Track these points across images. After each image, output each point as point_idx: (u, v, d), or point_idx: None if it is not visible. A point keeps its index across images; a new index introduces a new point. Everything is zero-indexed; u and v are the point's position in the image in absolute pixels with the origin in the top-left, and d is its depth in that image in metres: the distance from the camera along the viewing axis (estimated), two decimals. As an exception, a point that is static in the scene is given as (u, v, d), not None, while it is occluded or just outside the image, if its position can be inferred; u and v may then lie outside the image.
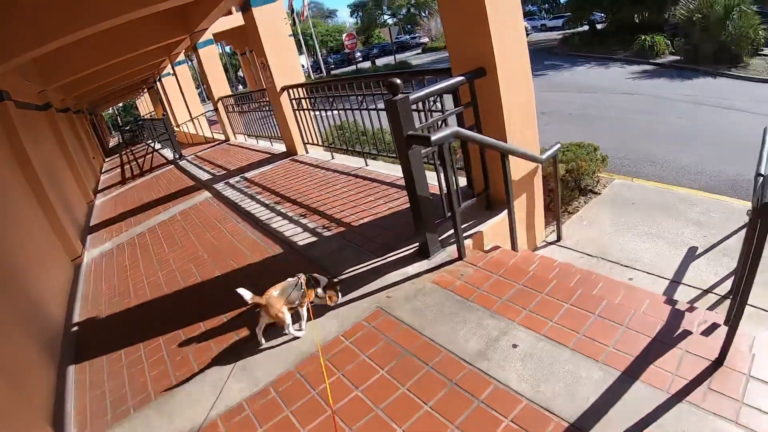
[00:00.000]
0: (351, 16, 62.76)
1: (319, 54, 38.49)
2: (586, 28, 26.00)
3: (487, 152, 3.58)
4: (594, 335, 2.37)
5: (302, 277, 2.85)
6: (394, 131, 2.87)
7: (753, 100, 11.18)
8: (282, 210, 5.08)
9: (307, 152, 7.39)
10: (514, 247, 3.59)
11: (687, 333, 2.34)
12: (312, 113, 6.80)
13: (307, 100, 6.78)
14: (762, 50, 16.20)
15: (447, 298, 2.88)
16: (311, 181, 5.77)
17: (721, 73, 14.31)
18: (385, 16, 56.34)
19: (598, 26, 25.18)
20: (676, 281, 3.89)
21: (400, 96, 2.78)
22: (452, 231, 3.26)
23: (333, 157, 6.59)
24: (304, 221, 4.59)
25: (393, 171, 5.19)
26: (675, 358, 2.19)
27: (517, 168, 3.62)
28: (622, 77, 14.91)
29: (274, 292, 2.77)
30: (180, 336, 3.29)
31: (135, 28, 8.06)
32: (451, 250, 3.31)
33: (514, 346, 2.40)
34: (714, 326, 2.53)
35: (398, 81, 2.77)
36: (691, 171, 6.99)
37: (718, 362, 2.15)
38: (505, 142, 3.42)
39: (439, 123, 3.41)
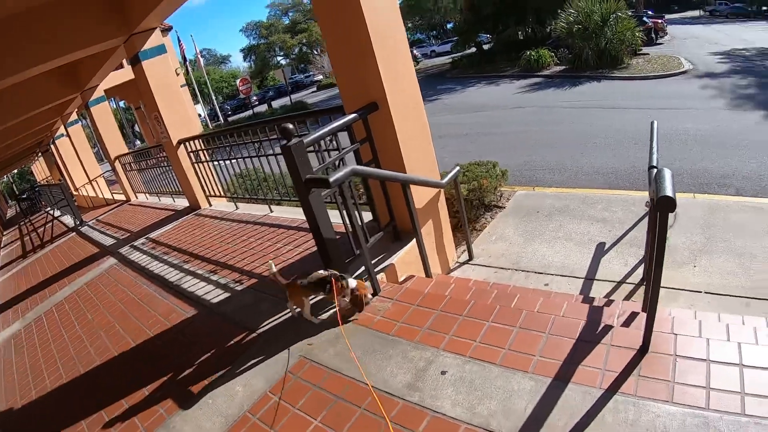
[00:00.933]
0: (244, 60, 62.56)
1: (215, 101, 37.88)
2: (473, 50, 27.33)
3: (388, 184, 3.62)
4: (519, 347, 2.43)
5: (332, 273, 2.92)
6: (293, 176, 2.85)
7: (635, 97, 12.29)
8: (192, 268, 4.86)
9: (210, 205, 7.19)
10: (427, 273, 3.64)
11: (608, 327, 2.45)
12: (211, 164, 6.64)
13: (205, 151, 6.62)
14: (640, 50, 17.77)
15: (368, 336, 2.85)
16: (218, 235, 5.60)
17: (605, 76, 15.58)
18: (278, 58, 57.08)
19: (485, 47, 26.80)
20: (590, 278, 4.15)
21: (294, 141, 2.77)
22: (363, 268, 3.25)
23: (237, 207, 6.45)
24: (215, 277, 4.41)
25: (298, 215, 5.13)
26: (601, 353, 2.29)
27: (420, 195, 3.69)
28: (512, 93, 15.70)
29: (302, 281, 2.95)
30: (103, 417, 3.02)
31: (21, 91, 7.57)
32: (367, 288, 3.30)
33: (443, 372, 2.40)
34: (633, 315, 2.67)
35: (290, 126, 2.77)
36: (588, 171, 7.43)
37: (643, 349, 2.27)
38: (405, 172, 3.48)
39: (337, 162, 3.42)
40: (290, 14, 57.11)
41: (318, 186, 2.83)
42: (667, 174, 2.11)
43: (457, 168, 4.16)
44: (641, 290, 3.86)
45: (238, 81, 37.79)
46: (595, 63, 16.70)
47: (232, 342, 3.23)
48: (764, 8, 45.62)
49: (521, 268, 4.38)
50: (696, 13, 47.85)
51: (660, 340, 2.30)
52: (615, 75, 15.70)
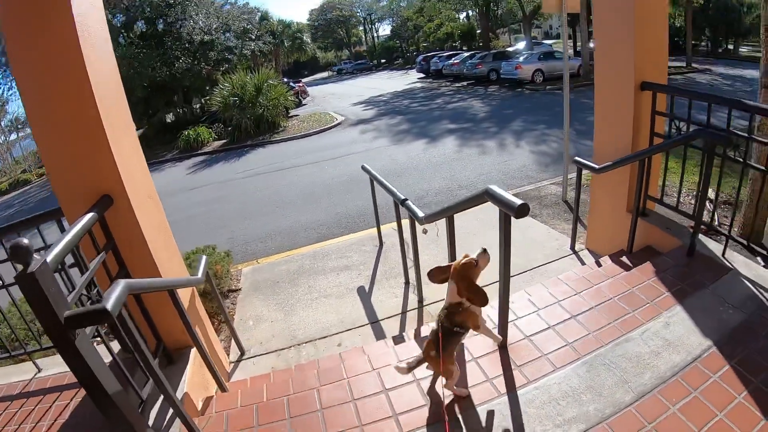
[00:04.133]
0: None
1: None
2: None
3: (145, 297, 2.95)
4: (362, 416, 2.35)
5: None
6: (41, 316, 1.78)
7: (305, 153, 13.51)
8: None
9: None
10: (222, 386, 3.13)
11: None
12: None
13: None
14: (290, 113, 19.50)
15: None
16: None
17: (268, 142, 16.52)
18: None
19: (138, 133, 25.33)
20: (375, 321, 4.24)
21: (36, 263, 1.75)
22: (172, 411, 2.47)
23: None
24: None
25: (22, 374, 3.44)
26: (474, 370, 2.49)
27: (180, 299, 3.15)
28: (183, 175, 14.91)
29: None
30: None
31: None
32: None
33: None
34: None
35: (26, 241, 1.74)
36: (299, 230, 7.48)
37: (503, 345, 2.61)
38: (160, 276, 2.93)
39: (86, 286, 2.49)
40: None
41: (90, 322, 1.90)
42: (496, 188, 2.34)
43: (204, 257, 3.71)
44: (427, 310, 4.29)
45: None
46: (254, 131, 17.63)
47: None
48: (383, 60, 56.54)
49: (303, 341, 4.12)
50: (325, 74, 55.97)
51: (511, 333, 2.69)
52: (277, 139, 16.82)
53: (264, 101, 17.96)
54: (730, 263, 3.27)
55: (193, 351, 3.04)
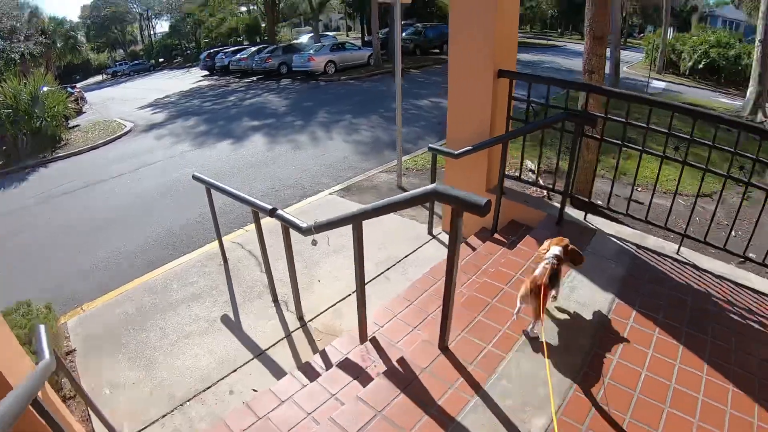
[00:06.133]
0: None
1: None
2: None
3: None
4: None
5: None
6: None
7: (102, 167, 11.24)
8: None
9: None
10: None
11: (390, 364, 2.50)
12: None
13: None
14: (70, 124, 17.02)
15: None
16: None
17: (50, 160, 13.86)
18: None
19: None
20: (261, 353, 3.76)
21: None
22: None
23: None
24: None
25: None
26: (427, 380, 2.38)
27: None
28: None
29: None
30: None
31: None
32: None
33: None
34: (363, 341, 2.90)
35: None
36: (120, 261, 6.17)
37: (444, 349, 2.56)
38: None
39: None
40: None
41: None
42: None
43: (42, 327, 2.54)
44: (313, 327, 3.99)
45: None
46: (34, 148, 15.02)
47: None
48: (161, 60, 52.13)
49: (185, 399, 3.41)
50: (99, 77, 49.76)
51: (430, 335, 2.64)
52: (62, 155, 14.05)
53: (41, 112, 15.31)
54: (593, 226, 3.77)
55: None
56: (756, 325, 2.88)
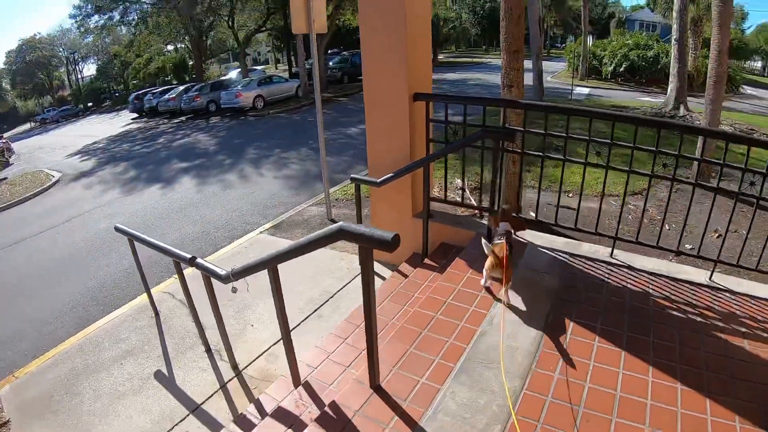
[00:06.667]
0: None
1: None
2: None
3: None
4: None
5: None
6: None
7: (28, 223, 10.45)
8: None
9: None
10: None
11: (324, 409, 2.41)
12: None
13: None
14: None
15: None
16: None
17: None
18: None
19: None
20: (195, 408, 3.54)
21: None
22: None
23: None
24: None
25: None
26: (364, 422, 2.28)
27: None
28: None
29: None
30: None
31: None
32: None
33: None
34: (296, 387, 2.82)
35: None
36: (57, 316, 5.83)
37: (377, 388, 2.45)
38: None
39: None
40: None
41: None
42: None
43: None
44: (248, 374, 3.80)
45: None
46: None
47: None
48: (90, 104, 50.60)
49: None
50: (27, 125, 47.79)
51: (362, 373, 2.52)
52: None
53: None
54: (524, 239, 3.77)
55: None
56: (698, 318, 2.92)
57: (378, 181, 3.94)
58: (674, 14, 14.72)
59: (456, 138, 3.97)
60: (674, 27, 14.67)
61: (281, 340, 4.04)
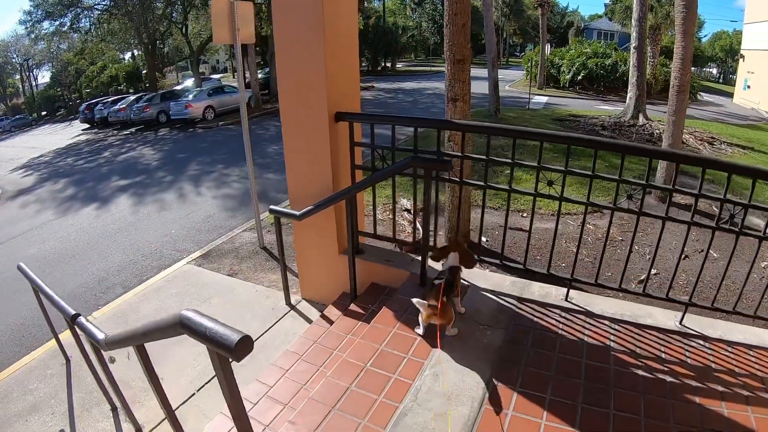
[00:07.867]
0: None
1: None
2: None
3: None
4: None
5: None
6: None
7: None
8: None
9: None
10: None
11: None
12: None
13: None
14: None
15: None
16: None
17: None
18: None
19: None
20: None
21: None
22: None
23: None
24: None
25: None
26: None
27: None
28: None
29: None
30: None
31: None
32: None
33: None
34: None
35: None
36: None
37: None
38: None
39: None
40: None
41: None
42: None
43: None
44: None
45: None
46: None
47: None
48: (44, 113, 48.52)
49: None
50: None
51: None
52: None
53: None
54: (467, 281, 3.24)
55: None
56: (668, 378, 2.43)
57: (298, 214, 3.43)
58: (633, 22, 14.64)
59: (387, 164, 3.41)
60: (633, 35, 14.57)
61: (193, 396, 3.57)
